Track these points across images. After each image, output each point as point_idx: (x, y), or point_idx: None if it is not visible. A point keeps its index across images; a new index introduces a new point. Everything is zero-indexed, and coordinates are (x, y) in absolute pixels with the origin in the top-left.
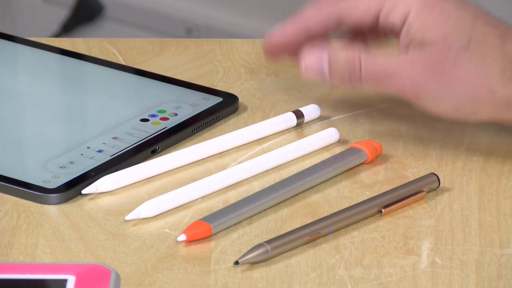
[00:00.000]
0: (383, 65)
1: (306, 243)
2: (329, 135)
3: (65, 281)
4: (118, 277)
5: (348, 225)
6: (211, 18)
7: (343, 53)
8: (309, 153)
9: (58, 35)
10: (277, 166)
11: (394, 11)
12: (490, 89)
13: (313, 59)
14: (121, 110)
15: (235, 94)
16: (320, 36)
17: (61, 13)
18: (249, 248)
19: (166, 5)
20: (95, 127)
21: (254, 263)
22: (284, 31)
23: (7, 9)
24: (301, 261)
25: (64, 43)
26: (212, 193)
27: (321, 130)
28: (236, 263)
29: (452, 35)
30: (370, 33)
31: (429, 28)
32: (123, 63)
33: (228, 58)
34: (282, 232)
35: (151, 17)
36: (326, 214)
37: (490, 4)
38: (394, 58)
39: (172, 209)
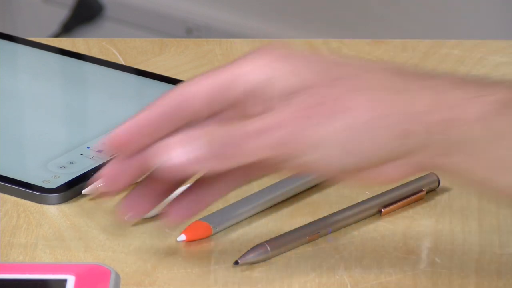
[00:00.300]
0: (257, 121)
1: (306, 243)
2: None
3: (64, 281)
4: (118, 277)
5: (348, 225)
6: (211, 18)
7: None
8: None
9: (58, 35)
10: None
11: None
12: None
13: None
14: (121, 110)
15: None
16: None
17: (61, 13)
18: (249, 248)
19: (166, 5)
20: (95, 127)
21: (254, 263)
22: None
23: (7, 9)
24: (301, 261)
25: (64, 43)
26: None
27: None
28: (236, 263)
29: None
30: None
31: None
32: (123, 63)
33: (228, 58)
34: (282, 232)
35: (151, 17)
36: (326, 214)
37: (490, 4)
38: (259, 123)
39: None
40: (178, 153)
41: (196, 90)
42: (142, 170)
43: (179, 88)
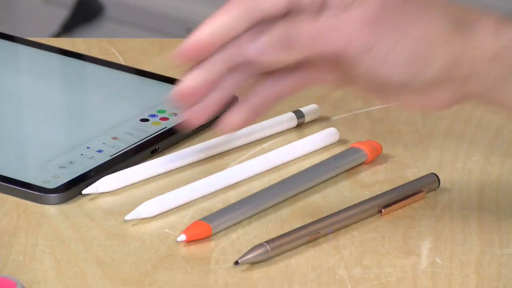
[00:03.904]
0: (319, 25)
1: (306, 243)
2: (329, 135)
3: None
4: None
5: (348, 225)
6: None
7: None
8: (309, 153)
9: (58, 35)
10: (277, 166)
11: None
12: (440, 34)
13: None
14: (121, 110)
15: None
16: None
17: (61, 13)
18: (249, 248)
19: (166, 5)
20: (95, 127)
21: (254, 263)
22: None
23: (7, 9)
24: (301, 261)
25: (64, 43)
26: (212, 193)
27: (321, 130)
28: (236, 263)
29: None
30: None
31: None
32: (123, 63)
33: None
34: (282, 232)
35: (151, 17)
36: (326, 214)
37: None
38: (331, 19)
39: (172, 209)
40: (252, 46)
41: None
42: (221, 71)
43: None
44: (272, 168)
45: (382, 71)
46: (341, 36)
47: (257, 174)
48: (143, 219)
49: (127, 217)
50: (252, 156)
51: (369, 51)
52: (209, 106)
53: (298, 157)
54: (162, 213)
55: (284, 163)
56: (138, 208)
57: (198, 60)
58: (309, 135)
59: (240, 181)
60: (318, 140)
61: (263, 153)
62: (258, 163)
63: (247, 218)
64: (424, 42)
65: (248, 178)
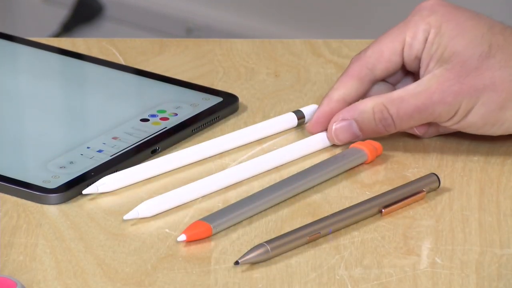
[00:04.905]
0: (411, 101)
1: (306, 243)
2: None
3: None
4: None
5: (348, 225)
6: (211, 18)
7: (368, 108)
8: (309, 154)
9: (58, 35)
10: (278, 167)
11: (416, 39)
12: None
13: (342, 128)
14: (121, 110)
15: (235, 94)
16: (357, 100)
17: (61, 13)
18: (249, 248)
19: (166, 5)
20: (95, 127)
21: (254, 263)
22: (324, 112)
23: (7, 9)
24: (301, 261)
25: (64, 43)
26: (212, 193)
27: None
28: (236, 263)
29: (472, 44)
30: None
31: (448, 42)
32: (123, 63)
33: (228, 58)
34: (282, 232)
35: (151, 17)
36: (326, 214)
37: (492, 2)
38: (419, 87)
39: (171, 209)
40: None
41: (380, 51)
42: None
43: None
44: (272, 168)
45: (465, 126)
46: (430, 112)
47: (257, 174)
48: (143, 219)
49: (126, 216)
50: (252, 156)
51: (453, 116)
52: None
53: (299, 157)
54: (161, 213)
55: (284, 163)
56: (137, 207)
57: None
58: (310, 135)
59: (240, 181)
60: (319, 140)
61: (263, 153)
62: (258, 163)
63: (247, 218)
64: (496, 104)
65: (248, 178)
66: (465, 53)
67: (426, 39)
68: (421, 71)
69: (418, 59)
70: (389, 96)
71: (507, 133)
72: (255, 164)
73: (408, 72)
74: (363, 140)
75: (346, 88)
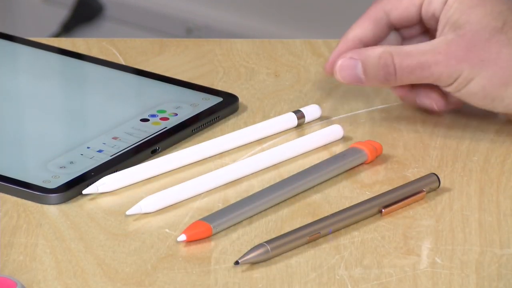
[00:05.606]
0: (416, 56)
1: (306, 243)
2: (333, 132)
3: None
4: None
5: (348, 225)
6: (211, 18)
7: (375, 53)
8: (311, 150)
9: (58, 35)
10: (278, 164)
11: None
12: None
13: (347, 66)
14: (121, 110)
15: (235, 94)
16: (374, 44)
17: (61, 13)
18: (249, 248)
19: (166, 5)
20: (95, 127)
21: (254, 263)
22: (340, 51)
23: (7, 9)
24: (301, 261)
25: (64, 43)
26: (212, 189)
27: (326, 127)
28: (236, 263)
29: (487, 17)
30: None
31: (465, 9)
32: (123, 63)
33: (228, 58)
34: (282, 232)
35: (151, 17)
36: (326, 214)
37: None
38: (428, 46)
39: (173, 204)
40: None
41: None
42: None
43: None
44: (273, 166)
45: (465, 96)
46: (432, 70)
47: (258, 171)
48: (144, 217)
49: (129, 212)
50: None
51: (453, 82)
52: None
53: (301, 154)
54: (163, 208)
55: (285, 160)
56: (140, 203)
57: None
58: (309, 135)
59: (241, 178)
60: (322, 137)
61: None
62: (259, 159)
63: (247, 218)
64: (499, 80)
65: (249, 175)
66: (478, 24)
67: (446, 1)
68: (438, 33)
69: (435, 18)
70: (399, 47)
71: (506, 111)
72: (256, 161)
73: (425, 31)
74: (364, 84)
75: (362, 28)
